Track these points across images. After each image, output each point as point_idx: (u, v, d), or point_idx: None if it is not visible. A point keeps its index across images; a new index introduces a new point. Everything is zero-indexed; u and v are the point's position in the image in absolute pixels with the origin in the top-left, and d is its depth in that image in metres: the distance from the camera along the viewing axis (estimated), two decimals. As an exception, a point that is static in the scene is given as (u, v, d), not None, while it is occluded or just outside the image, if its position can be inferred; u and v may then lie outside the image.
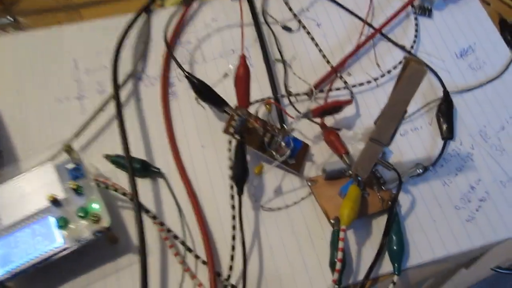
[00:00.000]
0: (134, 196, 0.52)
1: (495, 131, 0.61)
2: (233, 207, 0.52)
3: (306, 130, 0.61)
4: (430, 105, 0.63)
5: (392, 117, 0.49)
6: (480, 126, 0.61)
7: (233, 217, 0.52)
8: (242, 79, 0.56)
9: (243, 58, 0.57)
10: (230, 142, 0.55)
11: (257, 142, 0.57)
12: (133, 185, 0.53)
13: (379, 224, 0.55)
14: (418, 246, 0.54)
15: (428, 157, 0.59)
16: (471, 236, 0.55)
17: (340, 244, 0.50)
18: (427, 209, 0.56)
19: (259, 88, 0.64)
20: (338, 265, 0.49)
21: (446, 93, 0.62)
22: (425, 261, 0.54)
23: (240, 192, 0.53)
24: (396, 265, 0.52)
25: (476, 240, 0.55)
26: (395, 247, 0.53)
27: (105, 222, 0.50)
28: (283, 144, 0.56)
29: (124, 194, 0.54)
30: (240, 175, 0.54)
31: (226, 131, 0.57)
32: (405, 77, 0.45)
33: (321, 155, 0.59)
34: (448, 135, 0.60)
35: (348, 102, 0.60)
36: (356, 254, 0.54)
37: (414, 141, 0.60)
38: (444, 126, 0.60)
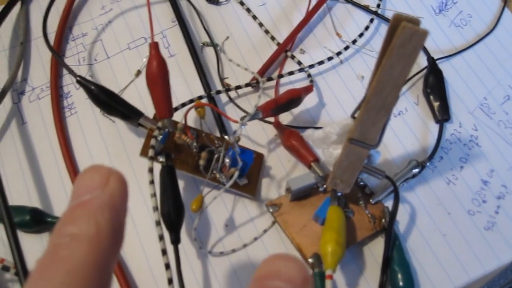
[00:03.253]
0: (18, 268, 0.35)
1: (499, 102, 0.47)
2: (167, 266, 0.36)
3: (256, 135, 0.45)
4: (412, 79, 0.48)
5: (380, 107, 0.34)
6: (480, 99, 0.47)
7: (169, 282, 0.35)
8: (157, 76, 0.39)
9: (154, 46, 0.40)
10: (151, 169, 0.38)
11: (191, 163, 0.41)
12: (16, 250, 0.36)
13: (374, 252, 0.40)
14: (430, 275, 0.39)
15: (421, 149, 0.44)
16: (496, 249, 0.41)
17: (329, 299, 0.34)
18: (433, 221, 0.41)
19: (186, 85, 0.47)
20: (330, 330, 0.34)
21: (432, 60, 0.47)
22: (442, 295, 0.39)
23: (175, 242, 0.37)
24: (407, 310, 0.37)
25: (503, 253, 0.41)
26: (401, 284, 0.38)
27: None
28: (227, 160, 0.39)
29: (3, 268, 0.37)
30: (173, 216, 0.37)
31: (143, 153, 0.40)
32: (396, 47, 0.30)
33: (282, 167, 0.44)
34: (443, 115, 0.45)
35: (308, 90, 0.44)
36: (349, 300, 0.39)
37: (400, 129, 0.45)
38: (436, 105, 0.45)
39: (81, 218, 0.17)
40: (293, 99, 0.42)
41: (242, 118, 0.40)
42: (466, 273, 0.40)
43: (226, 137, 0.40)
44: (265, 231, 0.41)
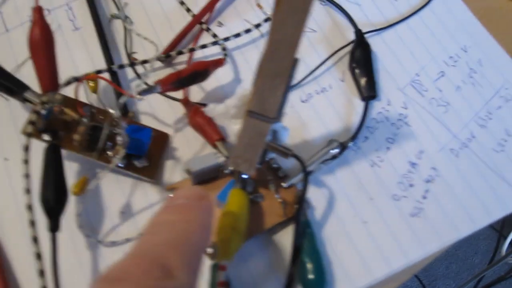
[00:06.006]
0: None
1: (433, 79, 0.43)
2: (37, 256, 0.31)
3: (163, 113, 0.40)
4: (339, 54, 0.43)
5: (276, 73, 0.30)
6: (411, 75, 0.43)
7: (41, 274, 0.31)
8: (38, 43, 0.35)
9: (37, 11, 0.36)
10: (26, 147, 0.33)
11: (82, 142, 0.36)
12: None
13: (284, 241, 0.36)
14: (347, 266, 0.35)
15: (345, 129, 0.40)
16: (422, 237, 0.37)
17: (220, 292, 0.30)
18: (353, 207, 0.37)
19: (90, 60, 0.43)
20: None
21: (359, 34, 0.43)
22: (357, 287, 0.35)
23: (53, 229, 0.32)
24: (315, 304, 0.33)
25: (429, 242, 0.36)
26: (310, 276, 0.34)
27: None
28: (119, 139, 0.35)
29: None
30: (51, 201, 0.33)
31: (25, 131, 0.35)
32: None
33: (189, 148, 0.39)
34: (369, 92, 0.41)
35: (217, 63, 0.39)
36: (254, 295, 0.34)
37: (322, 108, 0.41)
38: (363, 81, 0.41)
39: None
40: (198, 72, 0.38)
41: (140, 92, 0.36)
42: (387, 264, 0.36)
43: (111, 110, 0.35)
44: (164, 218, 0.36)
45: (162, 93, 0.37)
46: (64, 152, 0.35)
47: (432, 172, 0.39)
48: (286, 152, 0.34)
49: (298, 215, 0.34)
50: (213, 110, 0.39)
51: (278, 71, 0.30)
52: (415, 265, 0.36)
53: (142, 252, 0.20)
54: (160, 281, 0.18)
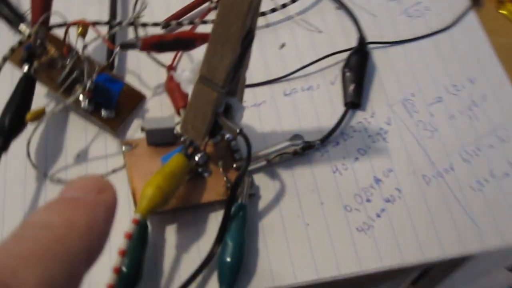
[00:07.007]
0: None
1: (427, 103, 0.41)
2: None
3: (149, 76, 0.41)
4: (337, 58, 0.42)
5: (225, 39, 0.30)
6: (406, 94, 0.41)
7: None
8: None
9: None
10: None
11: (55, 79, 0.38)
12: None
13: (219, 220, 0.35)
14: (273, 262, 0.34)
15: (319, 131, 0.39)
16: (361, 253, 0.35)
17: (124, 244, 0.30)
18: (300, 207, 0.36)
19: (99, 11, 0.44)
20: (112, 278, 0.29)
21: (361, 41, 0.42)
22: (278, 286, 0.33)
23: (2, 147, 0.34)
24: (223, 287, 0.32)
25: (367, 260, 0.34)
26: (227, 259, 0.33)
27: None
28: (88, 84, 0.36)
29: None
30: (6, 122, 0.34)
31: (12, 59, 0.37)
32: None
33: (160, 113, 0.40)
34: (353, 99, 0.40)
35: (205, 37, 0.40)
36: (172, 265, 0.34)
37: (303, 105, 0.40)
38: (351, 87, 0.40)
39: (64, 210, 0.16)
40: (182, 39, 0.38)
41: (120, 44, 0.37)
42: (315, 271, 0.34)
43: (80, 50, 0.36)
44: (114, 170, 0.37)
45: (144, 51, 0.38)
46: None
47: (395, 192, 0.37)
48: (233, 128, 0.33)
49: (231, 195, 0.34)
50: (180, 76, 0.40)
51: (227, 38, 0.30)
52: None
53: None
54: None
